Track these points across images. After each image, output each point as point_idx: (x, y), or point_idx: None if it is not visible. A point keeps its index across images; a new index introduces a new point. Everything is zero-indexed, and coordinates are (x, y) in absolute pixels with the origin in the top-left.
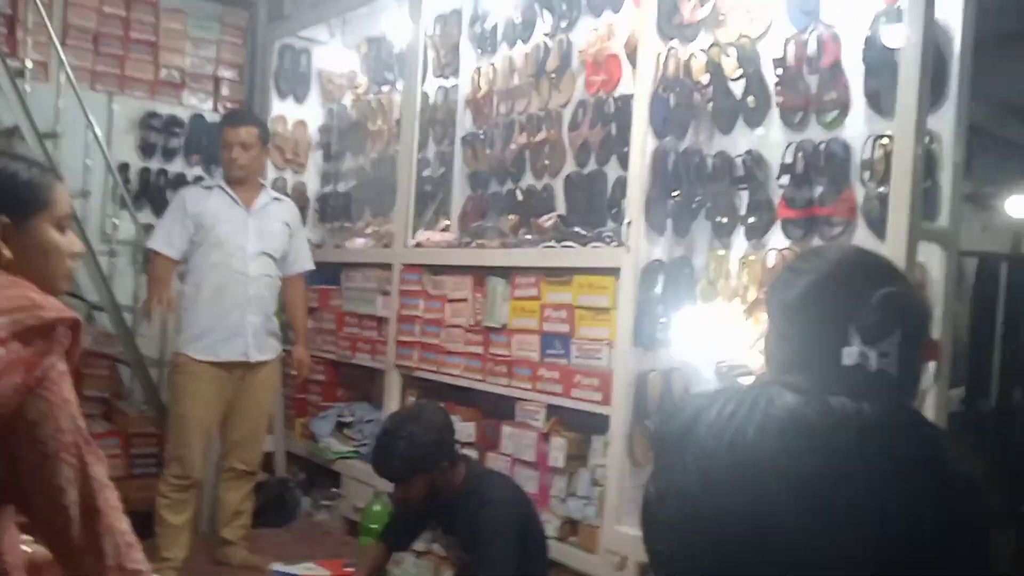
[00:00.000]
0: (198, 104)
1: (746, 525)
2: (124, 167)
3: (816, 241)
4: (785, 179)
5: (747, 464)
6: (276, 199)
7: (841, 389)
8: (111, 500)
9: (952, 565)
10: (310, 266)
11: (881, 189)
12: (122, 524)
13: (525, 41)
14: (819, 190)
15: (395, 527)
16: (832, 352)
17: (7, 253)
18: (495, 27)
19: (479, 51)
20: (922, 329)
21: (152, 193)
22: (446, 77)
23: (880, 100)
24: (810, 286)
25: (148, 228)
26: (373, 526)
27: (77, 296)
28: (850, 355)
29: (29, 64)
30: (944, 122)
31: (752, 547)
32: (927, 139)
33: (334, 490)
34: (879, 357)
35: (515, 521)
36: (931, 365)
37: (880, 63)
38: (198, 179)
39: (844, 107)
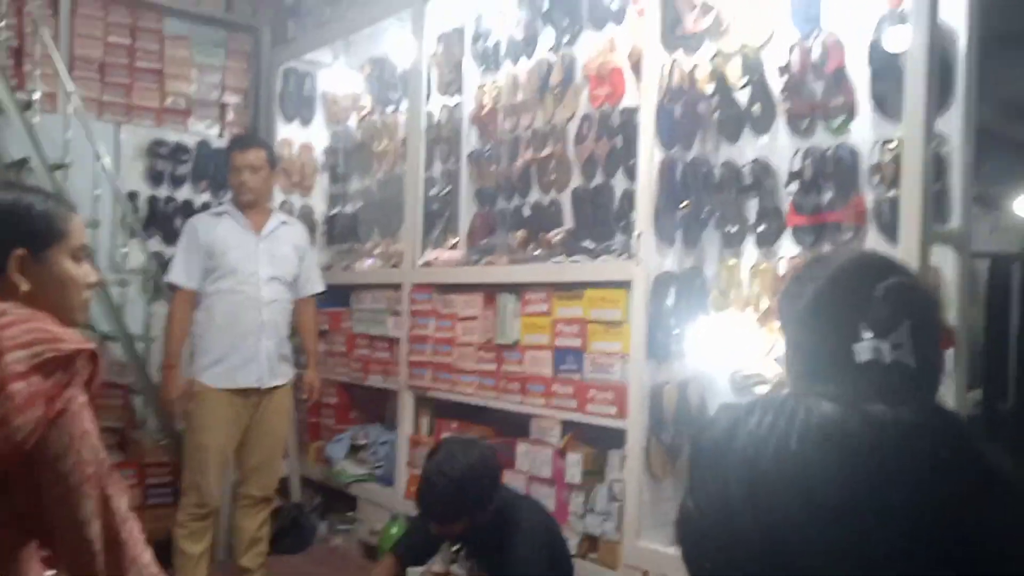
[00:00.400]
0: (204, 130)
1: (793, 537)
2: (133, 195)
3: (827, 247)
4: (793, 186)
5: (792, 475)
6: (285, 223)
7: (871, 393)
8: (135, 532)
9: (1006, 569)
10: (321, 288)
11: (891, 193)
12: (146, 556)
13: (528, 57)
14: (828, 196)
15: (410, 542)
16: (848, 355)
17: (25, 286)
18: (497, 44)
19: (483, 68)
20: (933, 317)
21: (161, 221)
22: (450, 95)
23: (886, 104)
24: (816, 293)
25: (158, 256)
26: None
27: (89, 326)
28: (863, 350)
29: (37, 95)
30: (952, 124)
31: (799, 559)
32: (935, 141)
33: (350, 514)
34: (892, 349)
35: (545, 546)
36: (949, 353)
37: (885, 67)
38: (206, 205)
39: (850, 112)
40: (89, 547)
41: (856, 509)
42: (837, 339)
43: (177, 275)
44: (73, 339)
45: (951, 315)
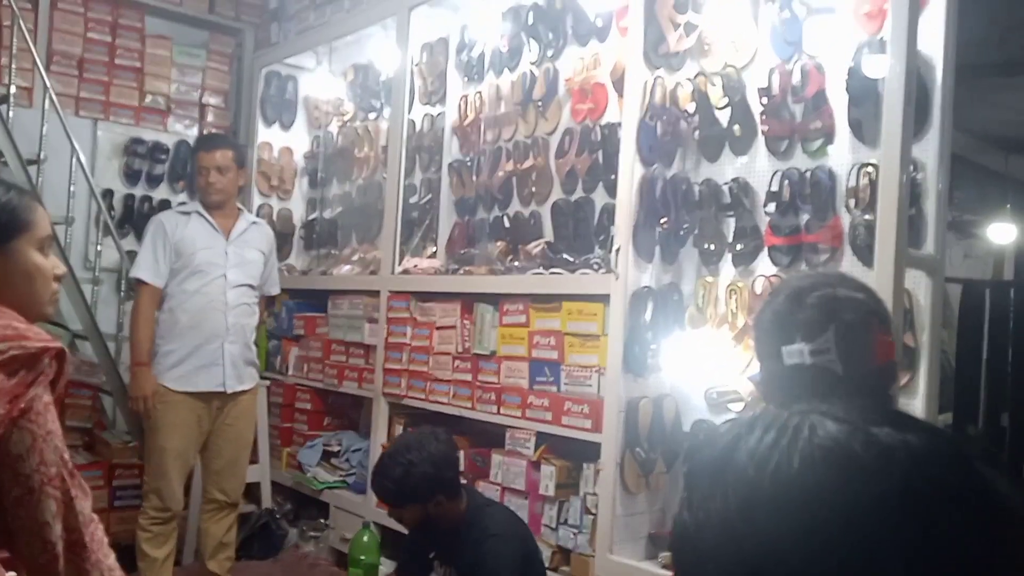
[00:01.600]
0: (183, 130)
1: (791, 557)
2: (108, 193)
3: (803, 267)
4: (771, 206)
5: (792, 495)
6: (254, 223)
7: (802, 398)
8: (97, 535)
9: None
10: (277, 290)
11: (867, 217)
12: (109, 559)
13: (512, 69)
14: (805, 217)
15: (404, 567)
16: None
17: None
18: (482, 55)
19: (466, 79)
20: (864, 325)
21: (136, 220)
22: (433, 104)
23: (863, 129)
24: (771, 308)
25: (132, 255)
26: (362, 557)
27: (59, 324)
28: (790, 354)
29: (13, 90)
30: (927, 151)
31: None
32: (911, 167)
33: (322, 521)
34: (812, 353)
35: (518, 554)
36: (889, 365)
37: (863, 93)
38: (182, 204)
39: (829, 135)
40: (51, 549)
41: (855, 533)
42: (778, 348)
43: (144, 271)
44: (39, 337)
45: (923, 339)
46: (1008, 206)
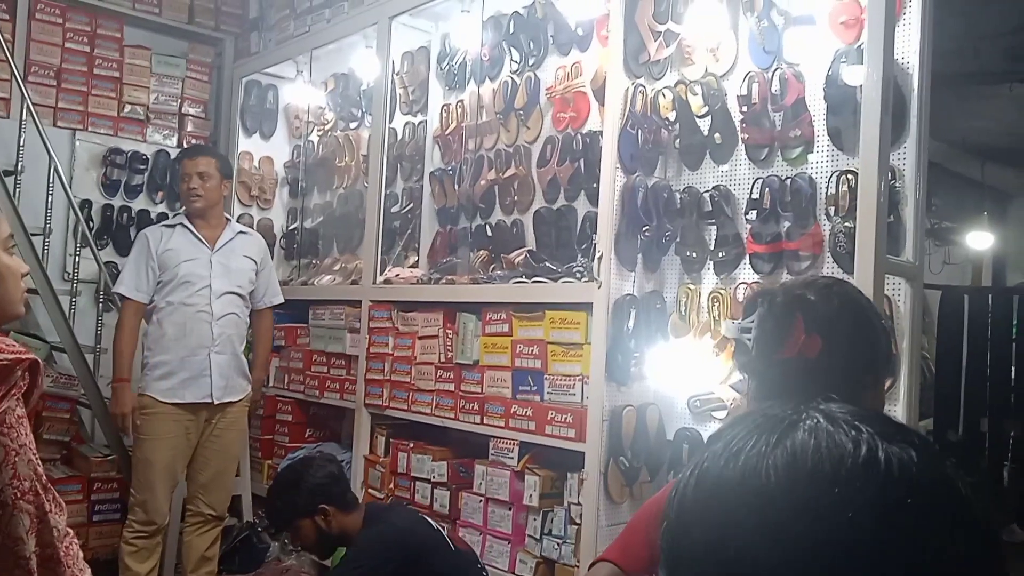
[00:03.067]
0: (162, 140)
1: (771, 563)
2: (86, 204)
3: (784, 275)
4: (752, 214)
5: (773, 510)
6: (242, 232)
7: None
8: (72, 549)
9: None
10: (279, 300)
11: (847, 224)
12: (84, 574)
13: (493, 78)
14: (786, 225)
15: None
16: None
17: None
18: (463, 64)
19: (447, 88)
20: (784, 315)
21: (115, 231)
22: (414, 114)
23: (842, 137)
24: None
25: (111, 266)
26: None
27: (37, 336)
28: (727, 328)
29: None
30: (905, 158)
31: None
32: (889, 175)
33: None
34: (739, 330)
35: (386, 560)
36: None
37: (841, 101)
38: (162, 216)
39: (808, 143)
40: (24, 565)
41: (831, 542)
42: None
43: (126, 287)
44: (11, 349)
45: (903, 344)
46: (985, 213)
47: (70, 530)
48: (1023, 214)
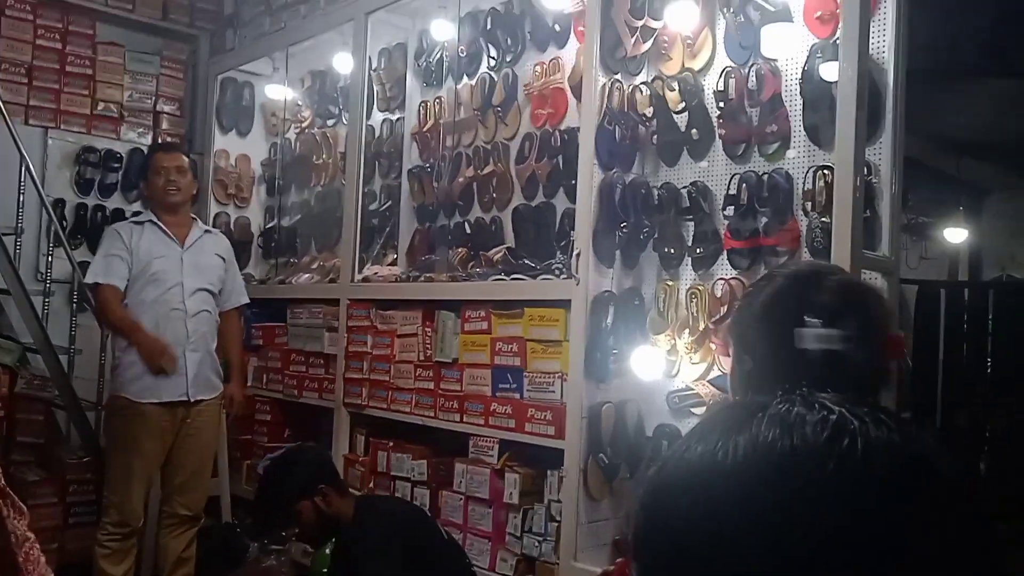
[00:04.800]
0: (137, 139)
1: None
2: (59, 203)
3: (762, 270)
4: (730, 210)
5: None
6: (208, 231)
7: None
8: (32, 555)
9: None
10: (245, 299)
11: (824, 219)
12: None
13: (471, 75)
14: (763, 220)
15: None
16: (799, 358)
17: None
18: (440, 61)
19: (425, 84)
20: (880, 317)
21: (89, 230)
22: (392, 110)
23: (819, 132)
24: (768, 291)
25: (84, 266)
26: (324, 571)
27: (10, 338)
28: (808, 337)
29: None
30: (881, 154)
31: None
32: (865, 170)
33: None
34: (840, 339)
35: (391, 545)
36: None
37: (817, 96)
38: (137, 215)
39: (785, 139)
40: None
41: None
42: (788, 342)
43: (105, 274)
44: None
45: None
46: (961, 208)
47: (31, 535)
48: (999, 209)
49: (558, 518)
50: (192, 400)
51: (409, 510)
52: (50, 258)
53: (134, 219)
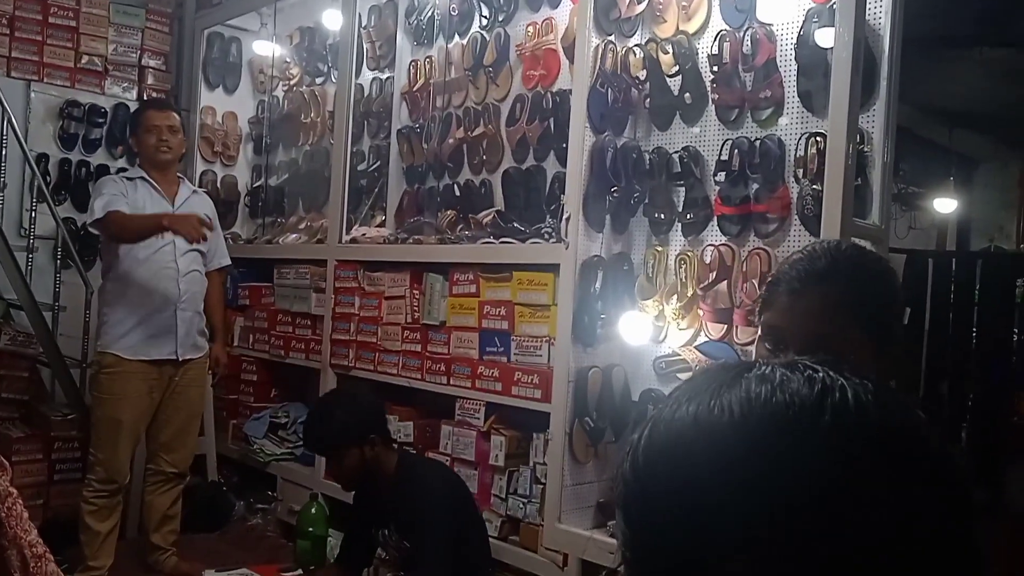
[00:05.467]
0: (121, 93)
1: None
2: (43, 158)
3: (752, 237)
4: (721, 176)
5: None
6: (195, 192)
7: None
8: (16, 510)
9: None
10: (227, 262)
11: (815, 187)
12: (30, 535)
13: (462, 35)
14: (754, 187)
15: (347, 548)
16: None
17: None
18: (432, 19)
19: (415, 43)
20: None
21: (73, 186)
22: (381, 69)
23: (812, 99)
24: (841, 285)
25: (68, 222)
26: (310, 529)
27: None
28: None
29: None
30: (874, 122)
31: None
32: (858, 138)
33: (269, 493)
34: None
35: (449, 505)
36: None
37: (812, 62)
38: (121, 171)
39: (779, 105)
40: None
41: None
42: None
43: (102, 209)
44: None
45: None
46: (951, 179)
47: (13, 490)
48: (988, 179)
49: (543, 480)
50: (181, 359)
51: (453, 476)
52: (33, 213)
53: (126, 175)
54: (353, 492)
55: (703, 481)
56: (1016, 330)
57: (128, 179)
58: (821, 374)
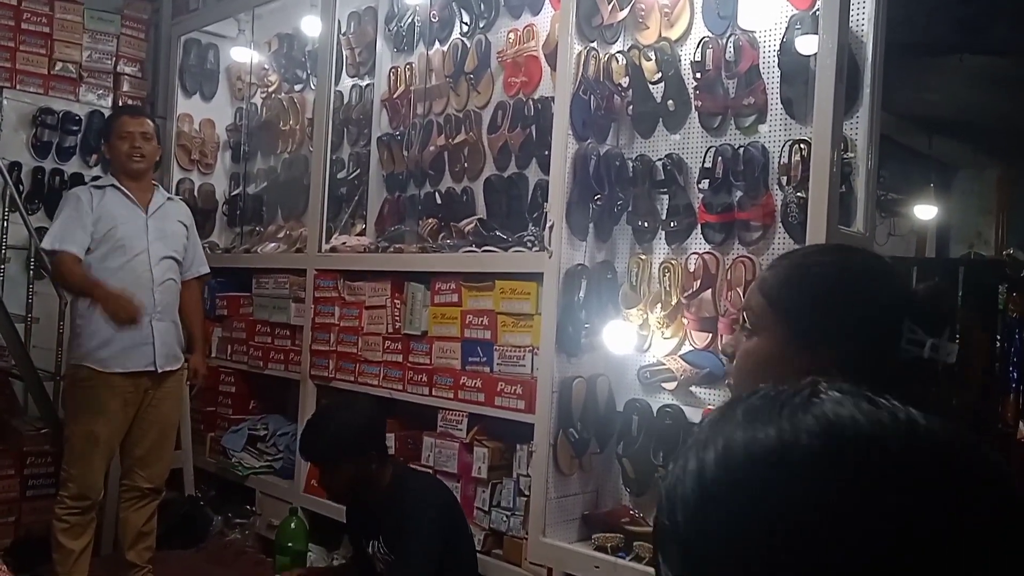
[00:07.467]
0: (96, 100)
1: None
2: (15, 166)
3: (736, 245)
4: (704, 183)
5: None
6: (170, 198)
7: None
8: None
9: None
10: (206, 270)
11: (799, 194)
12: None
13: (442, 41)
14: (738, 195)
15: (354, 562)
16: (884, 352)
17: None
18: (412, 26)
19: (395, 50)
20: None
21: (46, 194)
22: (361, 76)
23: (795, 106)
24: (846, 279)
25: (41, 232)
26: (289, 544)
27: None
28: (915, 347)
29: None
30: (857, 129)
31: None
32: (842, 145)
33: (248, 507)
34: (944, 351)
35: (436, 517)
36: None
37: (795, 69)
38: (95, 179)
39: (762, 112)
40: None
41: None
42: (870, 334)
43: (62, 241)
44: None
45: None
46: (931, 185)
47: None
48: (967, 186)
49: (527, 493)
50: (159, 371)
51: (447, 492)
52: (6, 223)
53: (94, 183)
54: (345, 507)
55: (788, 508)
56: (999, 336)
57: (98, 187)
58: (887, 402)
